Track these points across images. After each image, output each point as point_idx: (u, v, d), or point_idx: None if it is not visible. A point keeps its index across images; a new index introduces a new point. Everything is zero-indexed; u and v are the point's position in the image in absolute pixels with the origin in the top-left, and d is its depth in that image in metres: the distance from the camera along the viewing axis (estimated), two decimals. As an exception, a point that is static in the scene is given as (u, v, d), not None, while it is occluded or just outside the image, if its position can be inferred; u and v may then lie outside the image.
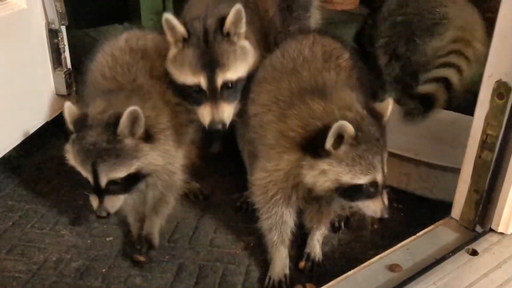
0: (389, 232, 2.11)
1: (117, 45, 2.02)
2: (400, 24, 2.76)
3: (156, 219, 2.00)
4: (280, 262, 1.88)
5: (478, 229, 1.83)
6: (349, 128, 1.54)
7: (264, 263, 1.95)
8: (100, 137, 1.67)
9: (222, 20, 1.83)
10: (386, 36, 2.80)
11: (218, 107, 1.83)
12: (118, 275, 1.89)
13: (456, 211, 1.88)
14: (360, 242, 2.07)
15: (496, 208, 1.77)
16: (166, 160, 1.84)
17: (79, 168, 1.73)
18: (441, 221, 1.90)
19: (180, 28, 1.82)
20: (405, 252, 1.74)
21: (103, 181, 1.69)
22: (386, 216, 1.67)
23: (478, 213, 1.81)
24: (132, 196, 1.90)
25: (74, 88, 2.63)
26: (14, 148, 2.39)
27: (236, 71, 1.86)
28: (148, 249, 1.95)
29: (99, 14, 4.04)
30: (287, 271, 1.88)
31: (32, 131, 2.48)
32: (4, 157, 2.35)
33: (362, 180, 1.59)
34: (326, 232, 2.01)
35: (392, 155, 2.24)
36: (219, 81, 1.82)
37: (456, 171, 1.89)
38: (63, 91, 2.58)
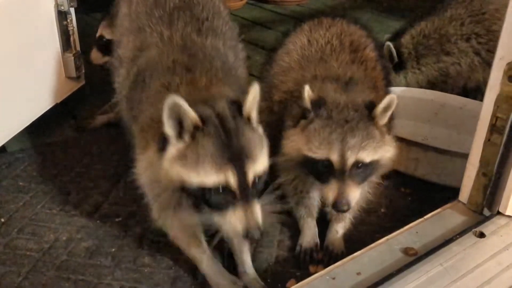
0: (397, 216, 2.12)
1: None
2: None
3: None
4: (309, 232, 1.94)
5: (486, 212, 1.83)
6: (305, 98, 1.61)
7: (271, 244, 1.97)
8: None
9: (235, 103, 1.47)
10: None
11: (251, 209, 1.40)
12: (127, 255, 1.91)
13: (464, 194, 1.88)
14: (367, 225, 2.07)
15: (504, 191, 1.77)
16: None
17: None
18: (448, 205, 1.90)
19: (193, 115, 1.37)
20: (413, 234, 1.75)
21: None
22: (340, 208, 1.60)
23: (486, 196, 1.80)
24: None
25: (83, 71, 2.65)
26: (24, 130, 2.41)
27: (262, 163, 1.46)
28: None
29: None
30: (317, 240, 1.93)
31: (41, 113, 2.49)
32: (14, 138, 2.37)
33: (316, 154, 1.61)
34: (348, 225, 1.99)
35: (400, 140, 2.25)
36: (251, 176, 1.40)
37: (464, 156, 1.89)
38: (73, 73, 2.60)
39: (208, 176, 1.35)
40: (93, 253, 1.92)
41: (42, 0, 2.42)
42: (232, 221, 1.38)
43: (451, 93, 2.76)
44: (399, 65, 2.82)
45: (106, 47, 2.62)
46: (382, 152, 1.67)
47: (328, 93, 1.69)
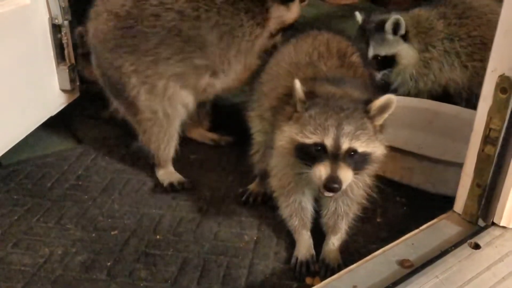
0: (392, 226, 2.12)
1: None
2: None
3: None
4: (305, 244, 1.96)
5: (481, 223, 1.84)
6: (298, 89, 1.63)
7: (267, 256, 1.97)
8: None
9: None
10: None
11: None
12: (123, 269, 1.90)
13: (459, 205, 1.89)
14: (363, 235, 2.08)
15: (498, 202, 1.78)
16: None
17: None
18: (443, 215, 1.91)
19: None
20: (409, 246, 1.75)
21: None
22: (331, 186, 1.56)
23: (480, 207, 1.81)
24: None
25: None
26: (18, 143, 2.40)
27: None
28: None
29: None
30: (312, 252, 1.94)
31: (36, 125, 2.49)
32: (9, 151, 2.36)
33: (310, 139, 1.61)
34: (344, 236, 1.98)
35: (395, 149, 2.26)
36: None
37: (459, 165, 1.90)
38: (67, 86, 2.59)
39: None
40: (88, 267, 1.91)
41: (37, 14, 2.42)
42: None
43: (430, 89, 2.85)
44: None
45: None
46: (374, 148, 1.67)
47: (320, 87, 1.70)
